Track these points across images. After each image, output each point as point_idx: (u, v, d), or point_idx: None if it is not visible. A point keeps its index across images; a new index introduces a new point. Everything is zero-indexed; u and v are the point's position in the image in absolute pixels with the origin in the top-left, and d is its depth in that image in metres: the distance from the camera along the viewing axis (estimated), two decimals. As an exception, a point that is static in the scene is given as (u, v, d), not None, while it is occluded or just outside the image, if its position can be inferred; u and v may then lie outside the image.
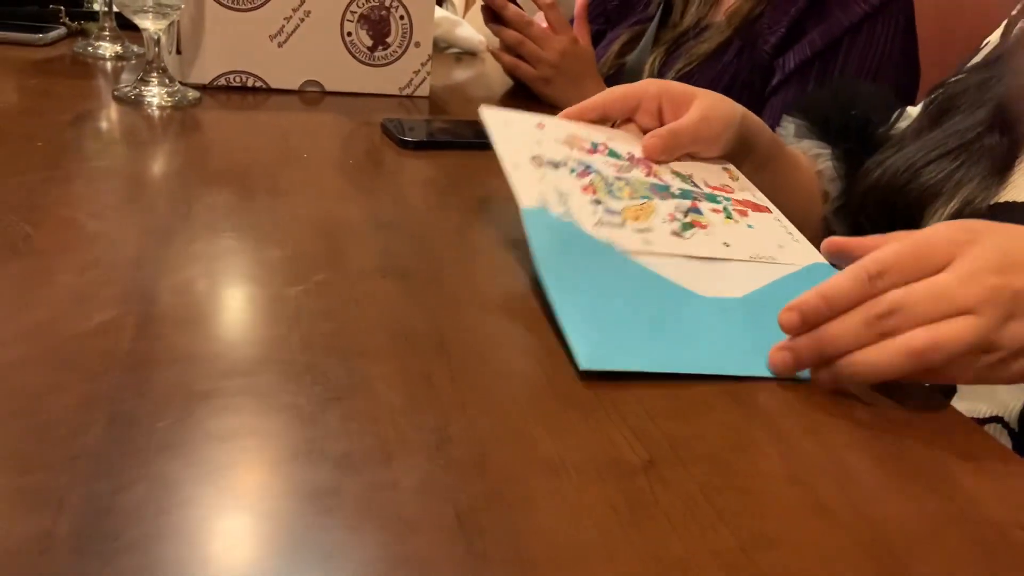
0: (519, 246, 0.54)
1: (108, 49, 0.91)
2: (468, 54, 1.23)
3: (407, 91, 0.91)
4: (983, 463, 0.37)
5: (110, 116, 0.72)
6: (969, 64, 0.62)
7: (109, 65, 0.89)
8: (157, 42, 0.75)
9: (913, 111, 0.67)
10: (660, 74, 1.02)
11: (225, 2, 0.81)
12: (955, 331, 0.35)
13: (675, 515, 0.31)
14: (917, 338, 0.35)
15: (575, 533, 0.29)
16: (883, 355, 0.36)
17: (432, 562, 0.27)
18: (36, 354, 0.35)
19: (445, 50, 1.21)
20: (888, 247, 0.37)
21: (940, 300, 0.36)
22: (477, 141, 0.78)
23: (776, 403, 0.39)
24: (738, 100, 0.98)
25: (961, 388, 0.49)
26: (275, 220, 0.53)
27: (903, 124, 0.66)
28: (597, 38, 1.18)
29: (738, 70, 0.97)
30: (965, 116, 0.55)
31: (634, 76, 1.06)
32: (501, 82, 1.07)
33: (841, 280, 0.37)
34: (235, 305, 0.41)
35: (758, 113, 0.94)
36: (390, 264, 0.49)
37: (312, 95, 0.87)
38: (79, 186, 0.55)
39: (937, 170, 0.53)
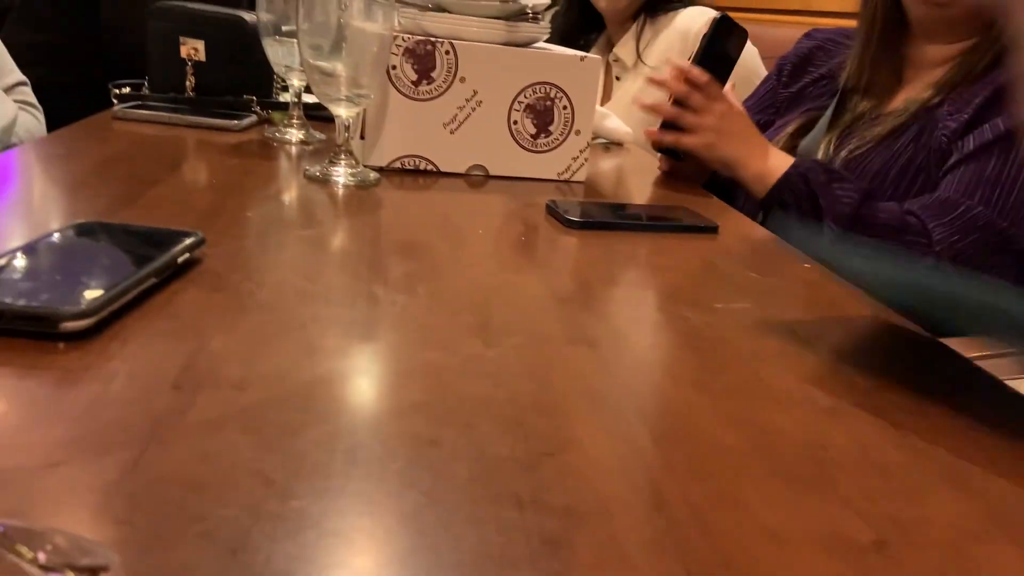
0: (697, 322, 0.54)
1: (294, 135, 1.00)
2: (615, 144, 1.27)
3: (565, 176, 0.95)
4: None
5: (303, 193, 0.78)
6: None
7: (294, 149, 0.97)
8: (347, 128, 0.82)
9: None
10: (834, 155, 1.04)
11: (407, 92, 0.87)
12: None
13: (914, 597, 0.29)
14: None
15: (812, 604, 0.28)
16: None
17: (673, 618, 0.27)
18: (280, 395, 0.37)
19: (593, 140, 1.26)
20: None
21: None
22: (637, 223, 0.81)
23: (1001, 491, 0.37)
24: (911, 184, 0.98)
25: None
26: (463, 289, 0.56)
27: None
28: (764, 127, 1.21)
29: (914, 154, 0.97)
30: None
31: (807, 156, 1.08)
32: (648, 169, 1.10)
33: None
34: (443, 361, 0.44)
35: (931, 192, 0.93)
36: (577, 333, 0.50)
37: (476, 178, 0.91)
38: (289, 252, 0.59)
39: None
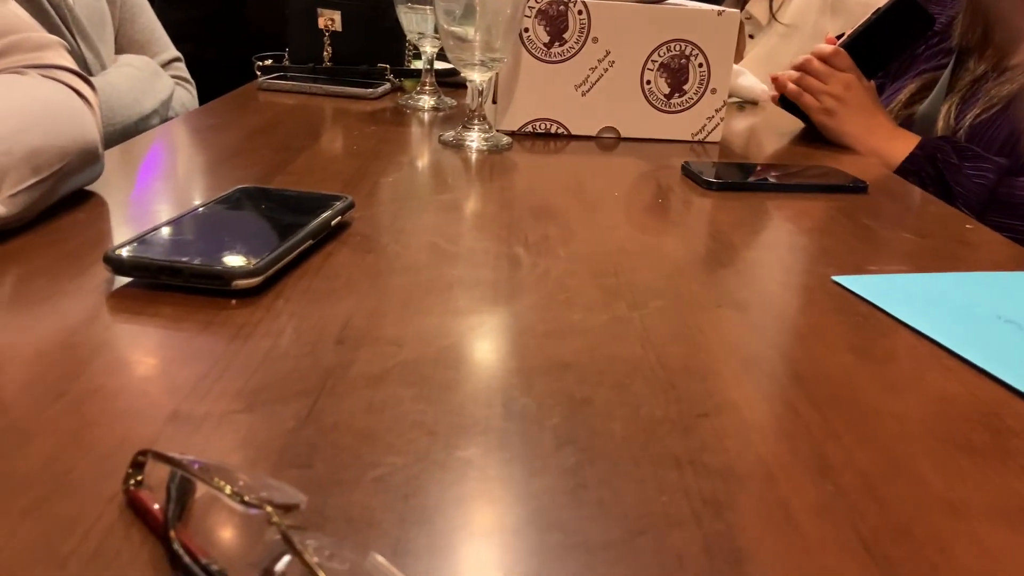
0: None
1: (427, 102, 1.01)
2: (750, 103, 1.22)
3: (699, 136, 0.92)
4: None
5: (438, 158, 0.79)
6: None
7: (427, 116, 0.99)
8: (480, 92, 0.82)
9: None
10: (957, 121, 0.96)
11: (539, 55, 0.87)
12: None
13: (1114, 578, 0.27)
14: None
15: (999, 579, 0.27)
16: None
17: (847, 585, 0.26)
18: (435, 352, 0.39)
19: (728, 99, 1.21)
20: None
21: None
22: (779, 183, 0.77)
23: None
24: None
25: None
26: (603, 251, 0.55)
27: None
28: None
29: None
30: None
31: (927, 124, 1.00)
32: (786, 129, 1.05)
33: None
34: (590, 322, 0.44)
35: None
36: (724, 295, 0.49)
37: (608, 141, 0.90)
38: (431, 215, 0.61)
39: None
